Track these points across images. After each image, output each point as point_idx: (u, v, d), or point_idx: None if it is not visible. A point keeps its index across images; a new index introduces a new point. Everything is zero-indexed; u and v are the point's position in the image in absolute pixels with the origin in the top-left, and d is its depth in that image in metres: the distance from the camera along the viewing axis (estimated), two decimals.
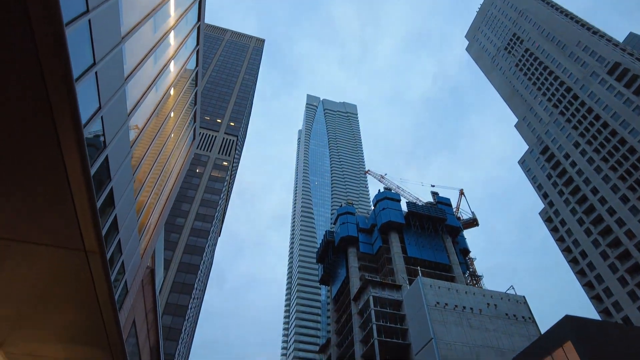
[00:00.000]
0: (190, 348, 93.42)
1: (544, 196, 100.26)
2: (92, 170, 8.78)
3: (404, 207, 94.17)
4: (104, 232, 9.23)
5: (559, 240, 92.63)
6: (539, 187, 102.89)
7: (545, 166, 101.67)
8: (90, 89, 9.48)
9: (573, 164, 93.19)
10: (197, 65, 21.72)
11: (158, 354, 19.55)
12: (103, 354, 6.42)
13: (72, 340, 6.44)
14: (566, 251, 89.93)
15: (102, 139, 9.97)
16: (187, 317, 70.53)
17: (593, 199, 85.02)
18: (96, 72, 9.57)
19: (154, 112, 15.15)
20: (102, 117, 9.95)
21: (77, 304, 5.67)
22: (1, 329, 6.28)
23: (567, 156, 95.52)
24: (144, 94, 13.63)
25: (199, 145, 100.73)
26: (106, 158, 10.35)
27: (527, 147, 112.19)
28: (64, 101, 6.88)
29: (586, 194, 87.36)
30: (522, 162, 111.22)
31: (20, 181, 5.88)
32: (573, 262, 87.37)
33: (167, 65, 15.87)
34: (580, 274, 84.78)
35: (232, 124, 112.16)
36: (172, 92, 17.72)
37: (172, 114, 17.85)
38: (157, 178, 16.76)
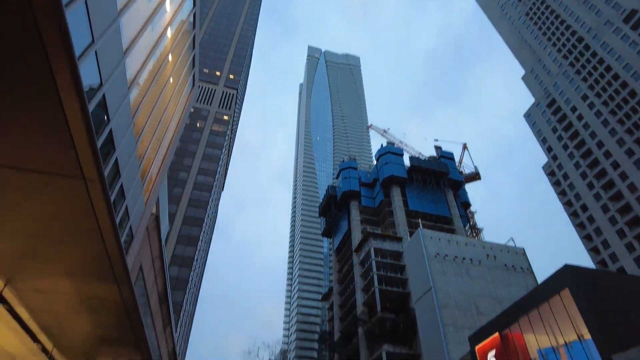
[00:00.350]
0: (197, 298, 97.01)
1: (548, 150, 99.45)
2: (90, 108, 8.34)
3: (407, 162, 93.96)
4: (106, 173, 8.92)
5: (561, 194, 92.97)
6: (543, 141, 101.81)
7: (550, 119, 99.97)
8: (81, 21, 8.82)
9: (580, 117, 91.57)
10: (194, 5, 20.55)
11: (166, 300, 20.00)
12: (112, 290, 6.35)
13: (79, 276, 6.35)
14: (567, 205, 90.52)
15: (97, 75, 9.44)
16: (193, 269, 72.55)
17: (598, 153, 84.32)
18: (86, 2, 8.88)
19: (151, 54, 14.43)
20: (95, 51, 9.36)
21: (81, 238, 5.52)
22: (7, 264, 6.17)
23: (574, 109, 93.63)
24: (139, 32, 12.87)
25: (198, 98, 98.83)
26: (103, 97, 9.88)
27: (534, 100, 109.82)
28: (54, 26, 6.32)
29: (591, 147, 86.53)
30: (528, 116, 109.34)
31: (13, 107, 5.55)
32: (573, 215, 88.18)
33: (162, 2, 14.92)
34: (580, 226, 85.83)
35: (232, 76, 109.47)
36: (169, 33, 16.83)
37: (170, 57, 17.07)
38: (157, 124, 16.31)
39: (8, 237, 5.65)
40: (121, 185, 12.34)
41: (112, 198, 9.71)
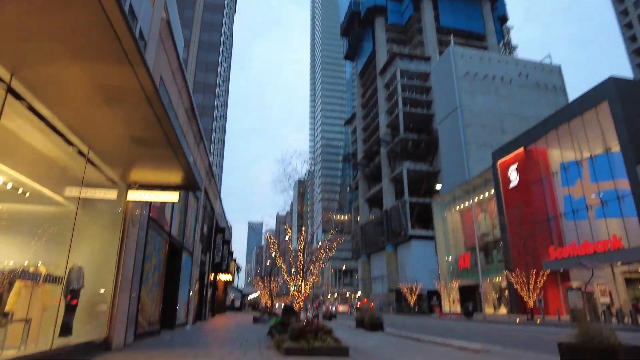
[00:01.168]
0: (225, 126, 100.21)
1: None
2: None
3: None
4: None
5: (619, 1, 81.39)
6: None
7: None
8: None
9: None
10: None
11: (194, 116, 19.89)
12: (127, 75, 5.52)
13: (87, 58, 5.47)
14: (622, 14, 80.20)
15: None
16: (217, 96, 72.73)
17: None
18: None
19: None
20: None
21: (78, 5, 4.43)
22: (6, 51, 5.23)
23: None
24: None
25: None
26: None
27: None
28: None
29: None
30: None
31: None
32: (626, 26, 79.00)
33: None
34: (631, 40, 77.76)
35: None
36: None
37: None
38: None
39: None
40: None
41: None
